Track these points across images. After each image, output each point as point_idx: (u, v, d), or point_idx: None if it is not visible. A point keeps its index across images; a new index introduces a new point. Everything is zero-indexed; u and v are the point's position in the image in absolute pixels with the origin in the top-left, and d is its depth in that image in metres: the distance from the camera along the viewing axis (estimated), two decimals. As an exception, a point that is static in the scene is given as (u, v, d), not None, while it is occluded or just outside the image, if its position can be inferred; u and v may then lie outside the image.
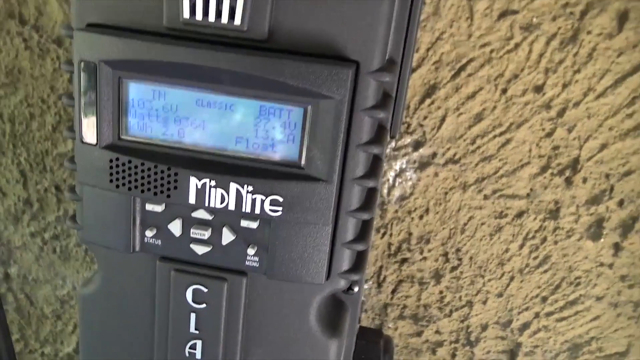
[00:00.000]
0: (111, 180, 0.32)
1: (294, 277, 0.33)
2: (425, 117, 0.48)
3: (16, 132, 0.55)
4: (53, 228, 0.59)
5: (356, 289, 0.39)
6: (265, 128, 0.30)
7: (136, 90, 0.30)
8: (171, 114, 0.31)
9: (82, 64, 0.30)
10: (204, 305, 0.35)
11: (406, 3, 0.34)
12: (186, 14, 0.29)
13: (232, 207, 0.31)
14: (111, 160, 0.31)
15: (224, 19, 0.29)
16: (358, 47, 0.29)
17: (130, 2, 0.30)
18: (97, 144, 0.31)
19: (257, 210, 0.31)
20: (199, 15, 0.29)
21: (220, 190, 0.31)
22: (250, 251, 0.33)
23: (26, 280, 0.62)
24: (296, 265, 0.33)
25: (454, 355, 0.57)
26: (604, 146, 0.47)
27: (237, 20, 0.28)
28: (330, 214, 0.31)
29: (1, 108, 0.54)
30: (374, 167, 0.33)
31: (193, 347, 0.36)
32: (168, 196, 0.32)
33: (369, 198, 0.34)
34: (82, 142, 0.32)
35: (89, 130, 0.31)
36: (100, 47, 0.30)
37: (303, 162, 0.31)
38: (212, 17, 0.29)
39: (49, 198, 0.58)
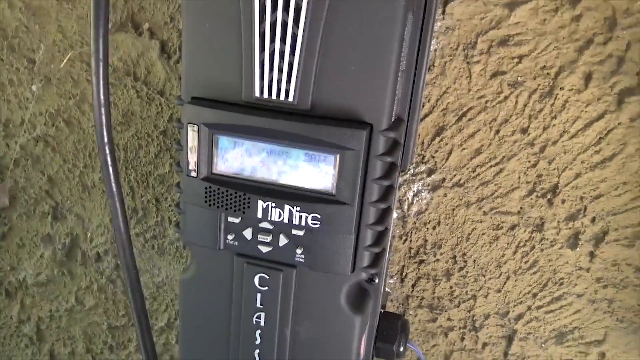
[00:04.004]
0: (205, 201, 0.43)
1: (328, 269, 0.43)
2: (436, 151, 0.57)
3: (128, 158, 0.68)
4: (152, 230, 0.71)
5: (376, 280, 0.49)
6: (309, 168, 0.41)
7: (224, 142, 0.42)
8: (246, 157, 0.42)
9: (189, 125, 0.42)
10: (266, 288, 0.45)
11: (409, 78, 0.45)
12: (257, 94, 0.40)
13: (286, 220, 0.42)
14: (206, 188, 0.43)
15: (282, 97, 0.40)
16: (371, 113, 0.39)
17: (220, 85, 0.41)
18: (196, 176, 0.43)
19: (303, 223, 0.42)
20: (265, 94, 0.40)
21: (278, 209, 0.42)
22: (299, 251, 0.43)
23: (131, 269, 0.75)
24: (330, 261, 0.43)
25: (462, 339, 0.64)
26: (577, 175, 0.54)
27: (290, 98, 0.39)
28: (353, 227, 0.41)
29: (118, 140, 0.68)
30: (386, 194, 0.43)
31: (258, 317, 0.46)
32: (243, 212, 0.43)
33: (383, 216, 0.43)
34: (187, 175, 0.44)
35: (191, 167, 0.43)
36: (201, 114, 0.41)
37: (334, 191, 0.41)
38: (274, 96, 0.40)
39: (150, 208, 0.70)
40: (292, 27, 0.38)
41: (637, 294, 0.57)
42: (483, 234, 0.59)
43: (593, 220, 0.56)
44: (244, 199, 0.43)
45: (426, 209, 0.60)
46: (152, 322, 0.77)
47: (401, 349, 0.54)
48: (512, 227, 0.58)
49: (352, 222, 0.42)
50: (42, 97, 0.68)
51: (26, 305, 0.82)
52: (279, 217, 0.42)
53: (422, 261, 0.62)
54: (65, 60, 0.65)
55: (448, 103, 0.55)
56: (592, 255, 0.57)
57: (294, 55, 0.39)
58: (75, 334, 0.81)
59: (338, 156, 0.40)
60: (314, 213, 0.42)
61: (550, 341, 0.61)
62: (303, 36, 0.38)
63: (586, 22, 0.50)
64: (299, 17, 0.38)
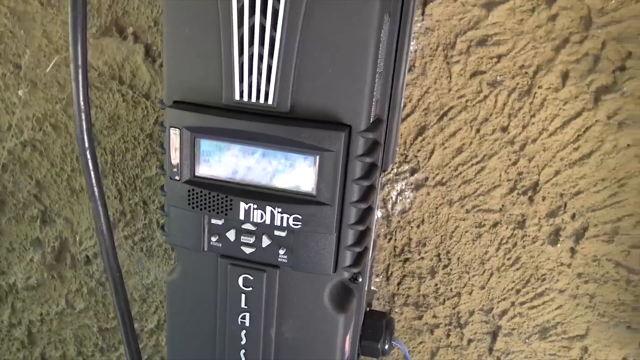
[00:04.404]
0: (189, 203, 0.44)
1: (311, 269, 0.44)
2: (418, 150, 0.57)
3: (115, 161, 0.68)
4: (141, 232, 0.71)
5: (360, 279, 0.49)
6: (289, 170, 0.42)
7: (205, 145, 0.42)
8: (227, 160, 0.42)
9: (171, 128, 0.43)
10: (250, 289, 0.45)
11: (388, 78, 0.45)
12: (237, 97, 0.40)
13: (268, 222, 0.42)
14: (189, 191, 0.43)
15: (262, 100, 0.40)
16: (350, 115, 0.40)
17: (201, 89, 0.41)
18: (179, 179, 0.43)
19: (285, 224, 0.42)
20: (245, 97, 0.40)
21: (260, 211, 0.42)
22: (281, 251, 0.44)
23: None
24: (312, 261, 0.43)
25: (448, 336, 0.64)
26: (557, 172, 0.54)
27: (270, 101, 0.40)
28: (334, 227, 0.42)
29: (105, 144, 0.68)
30: (367, 194, 0.43)
31: (243, 317, 0.46)
32: (226, 214, 0.43)
33: (364, 215, 0.44)
34: (170, 178, 0.44)
35: (174, 170, 0.44)
36: (182, 118, 0.41)
37: (315, 192, 0.41)
38: (254, 99, 0.40)
39: (138, 210, 0.70)
40: (270, 30, 0.39)
41: (617, 289, 0.58)
42: (466, 231, 0.60)
43: (573, 216, 0.56)
44: (226, 201, 0.43)
45: (410, 208, 0.60)
46: (142, 324, 0.77)
47: (386, 347, 0.54)
48: (495, 225, 0.59)
49: (333, 223, 0.42)
50: (29, 102, 0.68)
51: (17, 309, 0.82)
52: (261, 219, 0.43)
53: (407, 259, 0.62)
54: (51, 65, 0.65)
55: (429, 103, 0.56)
56: (573, 251, 0.57)
57: (272, 58, 0.39)
58: (66, 337, 0.81)
59: (318, 157, 0.40)
60: (295, 214, 0.42)
61: (534, 336, 0.62)
62: (281, 39, 0.39)
63: (562, 21, 0.50)
64: (277, 20, 0.38)
